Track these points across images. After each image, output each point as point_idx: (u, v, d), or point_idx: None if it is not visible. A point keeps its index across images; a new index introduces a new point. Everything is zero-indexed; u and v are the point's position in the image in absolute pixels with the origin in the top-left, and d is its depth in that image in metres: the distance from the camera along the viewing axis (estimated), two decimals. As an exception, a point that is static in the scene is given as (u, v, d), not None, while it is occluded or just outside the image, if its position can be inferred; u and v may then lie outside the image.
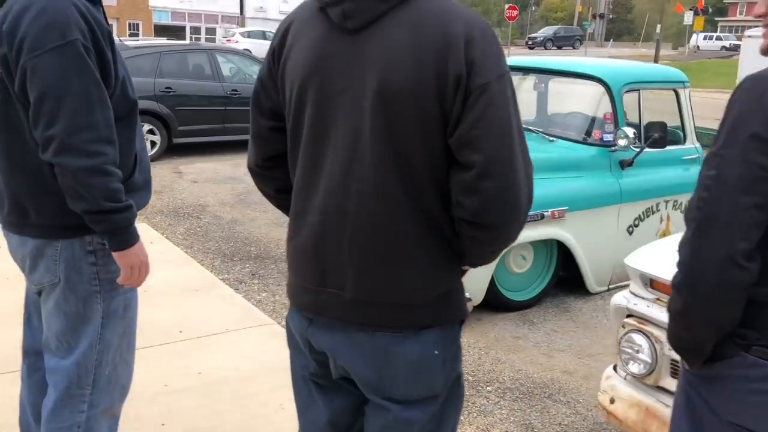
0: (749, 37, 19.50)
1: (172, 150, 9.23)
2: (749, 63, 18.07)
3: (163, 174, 8.29)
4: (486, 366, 3.73)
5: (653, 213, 4.90)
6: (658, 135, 4.69)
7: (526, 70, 5.42)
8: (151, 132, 8.99)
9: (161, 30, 37.12)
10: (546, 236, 4.36)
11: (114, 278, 1.96)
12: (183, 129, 9.20)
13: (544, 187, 4.47)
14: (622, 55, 37.04)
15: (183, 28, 38.93)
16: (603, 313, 4.55)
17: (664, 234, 4.99)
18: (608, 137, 4.75)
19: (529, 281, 4.58)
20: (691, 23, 37.54)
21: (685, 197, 4.97)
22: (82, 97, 1.75)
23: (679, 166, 5.06)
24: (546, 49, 45.13)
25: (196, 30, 39.49)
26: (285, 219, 1.68)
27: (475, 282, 4.12)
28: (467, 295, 1.66)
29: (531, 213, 4.25)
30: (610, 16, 56.07)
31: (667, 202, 4.94)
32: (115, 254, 1.89)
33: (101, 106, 1.78)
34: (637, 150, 4.67)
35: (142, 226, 5.59)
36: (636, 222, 4.81)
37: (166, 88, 9.03)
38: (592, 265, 4.63)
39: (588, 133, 4.90)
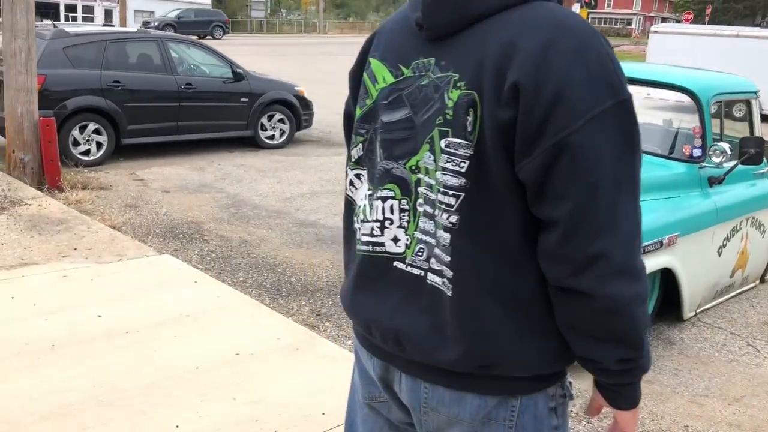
0: (656, 32, 20.43)
1: (119, 152, 8.13)
2: (656, 56, 18.90)
3: (123, 181, 7.24)
4: (648, 424, 3.30)
5: (737, 231, 4.64)
6: (754, 151, 4.42)
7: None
8: (96, 132, 7.86)
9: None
10: (661, 265, 3.97)
11: None
12: (132, 128, 8.12)
13: (651, 210, 4.09)
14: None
15: (56, 6, 35.78)
16: (706, 343, 4.25)
17: (743, 253, 4.76)
18: (698, 152, 4.43)
19: (633, 313, 4.18)
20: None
21: (760, 214, 4.76)
22: (634, 190, 1.10)
23: (751, 181, 4.84)
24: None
25: (71, 8, 36.39)
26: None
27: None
28: None
29: (649, 242, 3.93)
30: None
31: (747, 219, 4.70)
32: (622, 414, 1.24)
33: (639, 197, 1.13)
34: (729, 167, 4.39)
35: (164, 258, 4.70)
36: (724, 242, 4.53)
37: (114, 81, 7.91)
38: (690, 291, 4.31)
39: (672, 148, 4.56)
